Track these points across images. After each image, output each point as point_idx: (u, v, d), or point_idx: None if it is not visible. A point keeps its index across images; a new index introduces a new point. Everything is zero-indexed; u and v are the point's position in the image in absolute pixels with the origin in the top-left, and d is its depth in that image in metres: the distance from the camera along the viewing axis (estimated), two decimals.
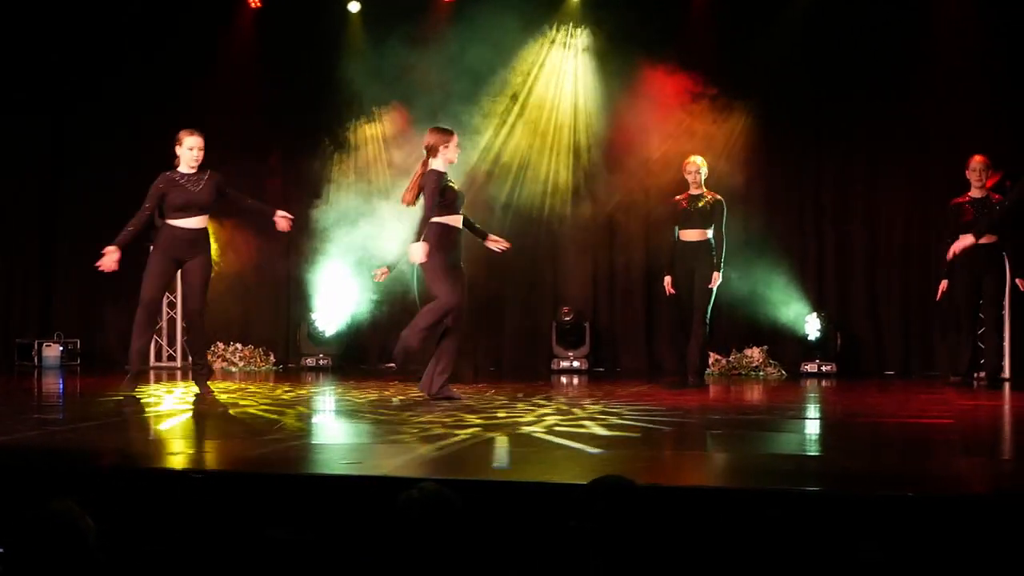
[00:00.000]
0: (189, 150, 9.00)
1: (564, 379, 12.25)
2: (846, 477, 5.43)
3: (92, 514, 3.76)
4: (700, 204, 10.59)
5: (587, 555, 3.52)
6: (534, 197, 13.09)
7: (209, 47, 13.62)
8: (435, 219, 8.86)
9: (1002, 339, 11.45)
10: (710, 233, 10.55)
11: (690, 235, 10.61)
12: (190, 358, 10.33)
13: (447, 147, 8.98)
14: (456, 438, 6.66)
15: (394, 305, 12.99)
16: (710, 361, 12.56)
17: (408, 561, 3.49)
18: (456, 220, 9.06)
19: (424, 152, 9.04)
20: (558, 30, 13.20)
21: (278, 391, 10.33)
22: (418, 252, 8.76)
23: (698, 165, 10.69)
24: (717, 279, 10.45)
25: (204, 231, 9.17)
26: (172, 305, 13.72)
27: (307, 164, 13.57)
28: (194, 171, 9.03)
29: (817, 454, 6.70)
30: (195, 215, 9.02)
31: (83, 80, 13.90)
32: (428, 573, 3.51)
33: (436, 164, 8.95)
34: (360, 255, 12.75)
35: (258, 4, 13.81)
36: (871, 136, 12.50)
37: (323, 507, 4.93)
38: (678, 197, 10.79)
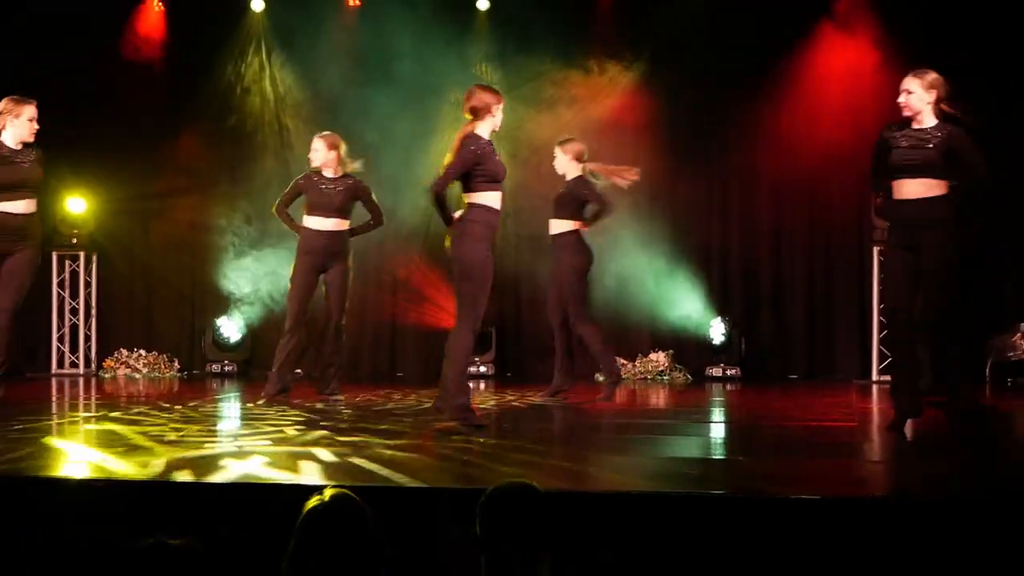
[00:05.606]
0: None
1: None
2: (750, 480, 5.47)
3: None
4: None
5: (491, 560, 3.51)
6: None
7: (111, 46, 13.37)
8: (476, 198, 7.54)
9: None
10: None
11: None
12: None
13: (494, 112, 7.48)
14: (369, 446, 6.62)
15: None
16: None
17: (314, 570, 3.45)
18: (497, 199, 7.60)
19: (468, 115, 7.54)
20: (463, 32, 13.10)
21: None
22: None
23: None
24: None
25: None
26: (75, 311, 13.48)
27: (211, 163, 13.41)
28: None
29: (722, 457, 6.75)
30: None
31: None
32: None
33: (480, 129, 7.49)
34: (267, 259, 12.63)
35: (161, 6, 13.62)
36: (775, 137, 12.55)
37: (227, 515, 4.86)
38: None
